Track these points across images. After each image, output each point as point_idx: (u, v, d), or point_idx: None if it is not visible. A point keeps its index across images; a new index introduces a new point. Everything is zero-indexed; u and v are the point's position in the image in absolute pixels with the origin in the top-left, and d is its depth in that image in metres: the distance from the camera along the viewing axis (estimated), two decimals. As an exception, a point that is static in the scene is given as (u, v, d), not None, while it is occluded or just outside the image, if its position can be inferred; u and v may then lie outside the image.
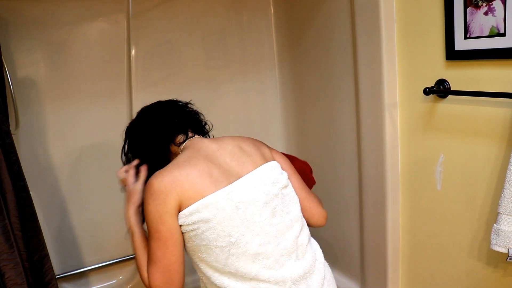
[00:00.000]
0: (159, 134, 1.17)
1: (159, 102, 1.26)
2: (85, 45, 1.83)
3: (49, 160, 1.83)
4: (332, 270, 1.20)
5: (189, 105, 1.27)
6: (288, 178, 1.17)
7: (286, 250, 1.06)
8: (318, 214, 1.22)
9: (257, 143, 1.20)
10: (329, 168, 1.94)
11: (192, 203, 0.99)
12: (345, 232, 1.90)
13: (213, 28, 2.08)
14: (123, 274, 2.05)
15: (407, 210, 1.57)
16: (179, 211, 1.00)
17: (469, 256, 1.36)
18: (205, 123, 1.28)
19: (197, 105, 1.28)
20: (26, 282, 1.15)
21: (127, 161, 1.25)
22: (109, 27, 1.87)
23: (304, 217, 1.18)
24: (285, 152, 1.59)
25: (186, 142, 1.15)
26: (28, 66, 1.75)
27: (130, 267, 2.06)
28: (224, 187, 1.02)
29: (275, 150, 1.26)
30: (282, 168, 1.18)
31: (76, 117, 1.85)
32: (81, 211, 1.91)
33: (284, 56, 2.16)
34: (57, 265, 1.86)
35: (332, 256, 1.99)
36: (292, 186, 1.17)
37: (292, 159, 1.55)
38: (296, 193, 1.17)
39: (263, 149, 1.18)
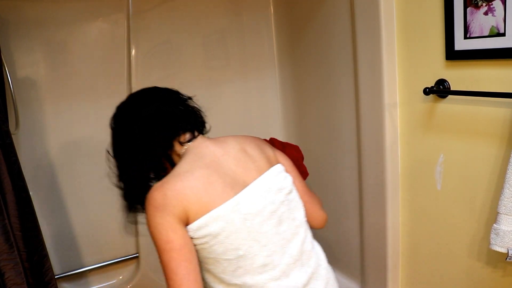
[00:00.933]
0: (165, 126, 1.04)
1: (157, 89, 1.12)
2: (85, 45, 1.83)
3: (49, 160, 1.83)
4: (332, 270, 1.19)
5: (190, 101, 1.16)
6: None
7: (292, 258, 1.03)
8: (320, 217, 1.19)
9: (261, 144, 1.14)
10: (329, 168, 1.94)
11: (199, 217, 0.93)
12: (345, 232, 1.89)
13: (213, 28, 2.08)
14: (123, 274, 2.05)
15: (407, 210, 1.57)
16: (186, 225, 0.94)
17: (469, 256, 1.36)
18: (205, 124, 1.18)
19: (197, 105, 1.24)
20: (26, 282, 1.15)
21: (114, 159, 1.10)
22: (109, 27, 1.87)
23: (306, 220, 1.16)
24: (278, 139, 1.56)
25: (190, 142, 1.05)
26: (28, 66, 1.75)
27: (130, 267, 2.06)
28: (230, 198, 0.96)
29: (278, 150, 1.21)
30: (286, 171, 1.13)
31: (76, 117, 1.85)
32: (80, 211, 1.91)
33: (284, 56, 2.16)
34: (57, 265, 1.86)
35: (332, 256, 1.97)
36: (296, 189, 1.14)
37: (285, 145, 1.52)
38: (300, 196, 1.13)
39: (267, 150, 1.12)
